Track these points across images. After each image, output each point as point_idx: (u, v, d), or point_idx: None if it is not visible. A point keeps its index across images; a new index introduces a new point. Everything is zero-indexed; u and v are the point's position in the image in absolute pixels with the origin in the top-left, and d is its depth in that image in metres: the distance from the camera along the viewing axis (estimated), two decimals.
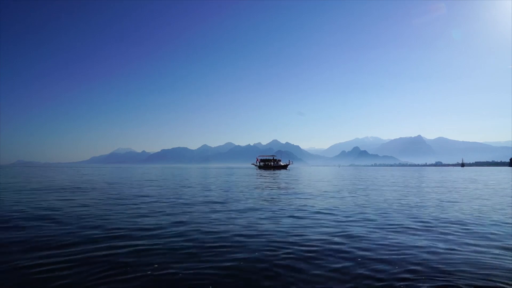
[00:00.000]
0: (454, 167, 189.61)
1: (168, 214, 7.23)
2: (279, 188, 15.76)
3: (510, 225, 6.26)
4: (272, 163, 73.22)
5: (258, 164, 74.97)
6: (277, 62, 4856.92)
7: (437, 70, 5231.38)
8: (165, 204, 9.21)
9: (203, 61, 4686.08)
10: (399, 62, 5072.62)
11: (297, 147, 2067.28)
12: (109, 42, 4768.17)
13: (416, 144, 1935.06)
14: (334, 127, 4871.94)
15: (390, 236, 5.11)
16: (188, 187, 16.27)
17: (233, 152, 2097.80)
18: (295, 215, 7.21)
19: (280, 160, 74.23)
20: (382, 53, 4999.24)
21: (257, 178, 26.38)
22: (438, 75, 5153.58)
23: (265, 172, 44.05)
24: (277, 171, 50.98)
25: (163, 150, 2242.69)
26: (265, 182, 21.30)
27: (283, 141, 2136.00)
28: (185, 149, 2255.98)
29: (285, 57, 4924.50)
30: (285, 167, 74.41)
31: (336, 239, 4.84)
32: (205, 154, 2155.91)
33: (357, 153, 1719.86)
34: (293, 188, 15.77)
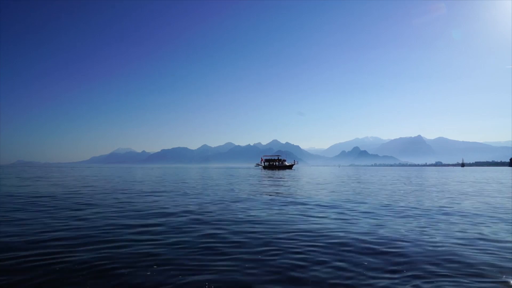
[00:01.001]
0: (454, 167, 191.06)
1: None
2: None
3: None
4: (277, 163, 72.33)
5: (263, 164, 74.23)
6: (277, 62, 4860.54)
7: (437, 70, 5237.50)
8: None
9: (203, 61, 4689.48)
10: (399, 62, 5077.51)
11: (297, 147, 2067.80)
12: (109, 42, 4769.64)
13: (416, 144, 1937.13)
14: (334, 127, 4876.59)
15: None
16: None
17: (233, 152, 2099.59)
18: None
19: (285, 160, 73.12)
20: (382, 53, 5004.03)
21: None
22: (438, 75, 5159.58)
23: (272, 173, 43.31)
24: (282, 171, 50.09)
25: (163, 150, 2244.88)
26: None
27: (283, 141, 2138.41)
28: (185, 149, 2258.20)
29: (285, 57, 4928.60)
30: (290, 167, 73.27)
31: None
32: (205, 154, 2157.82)
33: (357, 153, 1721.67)
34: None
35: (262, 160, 75.04)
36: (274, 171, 51.56)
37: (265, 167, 72.71)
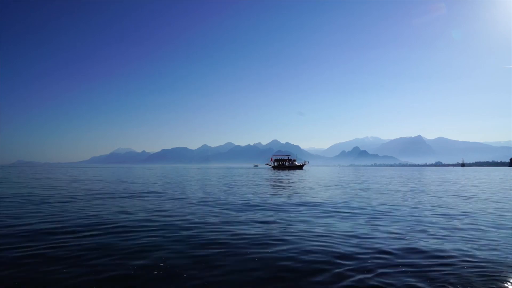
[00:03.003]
0: (454, 167, 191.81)
1: None
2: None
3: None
4: (287, 163, 71.20)
5: (272, 164, 73.35)
6: (277, 62, 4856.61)
7: (437, 70, 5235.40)
8: None
9: (203, 61, 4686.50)
10: (399, 62, 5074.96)
11: (297, 147, 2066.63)
12: (109, 42, 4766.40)
13: (416, 144, 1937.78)
14: (334, 127, 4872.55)
15: None
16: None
17: (233, 152, 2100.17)
18: None
19: (295, 160, 71.84)
20: (382, 53, 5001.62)
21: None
22: (438, 75, 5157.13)
23: (282, 173, 41.44)
24: (292, 171, 48.83)
25: (163, 150, 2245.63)
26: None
27: (283, 141, 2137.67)
28: (185, 149, 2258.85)
29: (285, 57, 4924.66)
30: (300, 167, 71.79)
31: None
32: (205, 154, 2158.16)
33: (357, 153, 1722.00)
34: None
35: (271, 160, 74.19)
36: (284, 171, 50.10)
37: (274, 167, 71.78)
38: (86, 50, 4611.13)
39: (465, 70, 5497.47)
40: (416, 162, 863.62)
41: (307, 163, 75.53)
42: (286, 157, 72.59)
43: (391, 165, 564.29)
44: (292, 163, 71.22)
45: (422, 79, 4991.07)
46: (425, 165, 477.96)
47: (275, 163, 72.88)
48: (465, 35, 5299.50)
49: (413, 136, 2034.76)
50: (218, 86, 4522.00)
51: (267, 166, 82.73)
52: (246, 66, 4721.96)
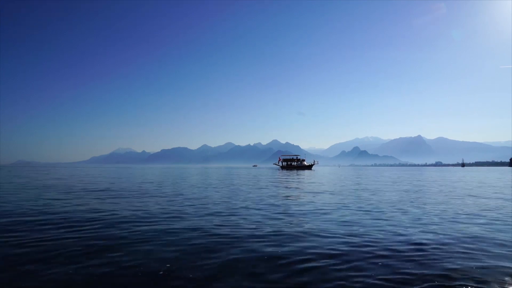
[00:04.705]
0: (454, 167, 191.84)
1: None
2: None
3: None
4: (295, 163, 70.29)
5: (280, 164, 72.92)
6: (277, 62, 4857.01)
7: (437, 70, 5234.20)
8: None
9: (203, 61, 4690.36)
10: (399, 62, 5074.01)
11: (297, 147, 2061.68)
12: (109, 42, 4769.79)
13: (416, 144, 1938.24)
14: (334, 127, 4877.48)
15: None
16: None
17: (233, 152, 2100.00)
18: None
19: (304, 160, 70.39)
20: (382, 53, 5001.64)
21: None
22: (438, 75, 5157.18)
23: (291, 173, 39.77)
24: (301, 172, 47.42)
25: (163, 150, 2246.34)
26: None
27: (283, 141, 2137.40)
28: (185, 149, 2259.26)
29: (285, 57, 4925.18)
30: (309, 167, 69.54)
31: None
32: (205, 154, 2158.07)
33: (357, 153, 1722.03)
34: None
35: (279, 160, 73.90)
36: (293, 171, 48.81)
37: (283, 167, 71.13)
38: (86, 50, 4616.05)
39: (465, 70, 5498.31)
40: (416, 162, 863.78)
41: (316, 162, 73.27)
42: (294, 157, 71.40)
43: (391, 165, 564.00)
44: (301, 163, 69.91)
45: (422, 79, 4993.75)
46: (425, 165, 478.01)
47: (283, 163, 72.30)
48: (465, 35, 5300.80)
49: (413, 136, 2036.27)
50: (218, 86, 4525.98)
51: (275, 166, 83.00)
52: (246, 66, 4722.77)
